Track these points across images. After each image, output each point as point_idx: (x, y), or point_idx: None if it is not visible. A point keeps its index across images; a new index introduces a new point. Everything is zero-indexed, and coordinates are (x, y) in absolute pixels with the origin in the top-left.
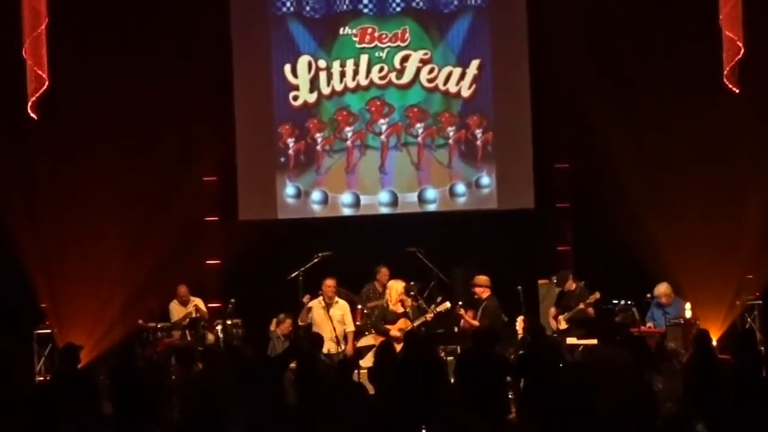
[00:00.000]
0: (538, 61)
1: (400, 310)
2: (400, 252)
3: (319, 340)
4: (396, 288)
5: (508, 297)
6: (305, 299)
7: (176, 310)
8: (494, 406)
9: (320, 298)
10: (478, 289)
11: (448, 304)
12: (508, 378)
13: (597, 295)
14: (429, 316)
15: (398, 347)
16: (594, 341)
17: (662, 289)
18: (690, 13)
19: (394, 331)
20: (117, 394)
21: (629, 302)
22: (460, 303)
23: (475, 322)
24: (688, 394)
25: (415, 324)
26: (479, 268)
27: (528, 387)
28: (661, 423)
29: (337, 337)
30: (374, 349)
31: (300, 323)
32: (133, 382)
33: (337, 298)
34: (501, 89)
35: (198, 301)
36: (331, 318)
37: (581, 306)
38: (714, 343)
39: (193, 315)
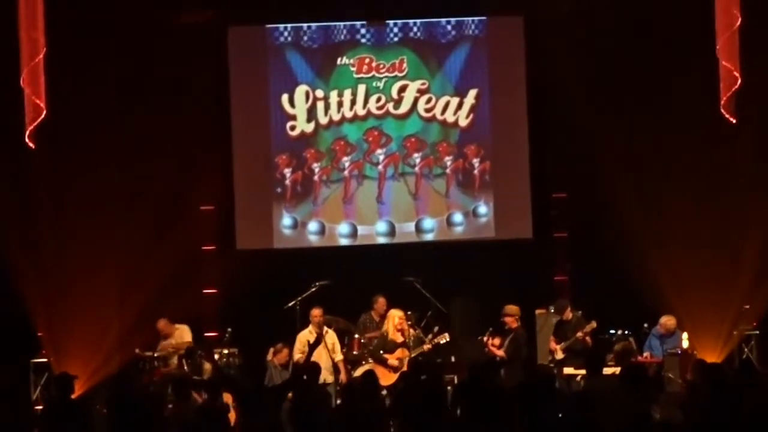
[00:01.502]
0: (536, 90)
1: (400, 339)
2: (398, 281)
3: (316, 370)
4: (395, 317)
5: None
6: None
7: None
8: None
9: (310, 328)
10: (508, 319)
11: (447, 336)
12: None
13: (593, 324)
14: (427, 347)
15: (394, 377)
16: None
17: (670, 322)
18: (687, 44)
19: (392, 360)
20: (114, 424)
21: (626, 332)
22: (491, 329)
23: (501, 353)
24: (688, 425)
25: (412, 354)
26: (477, 297)
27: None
28: None
29: (334, 365)
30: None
31: (299, 357)
32: (129, 412)
33: (326, 328)
34: (498, 119)
35: (181, 330)
36: (327, 347)
37: (578, 335)
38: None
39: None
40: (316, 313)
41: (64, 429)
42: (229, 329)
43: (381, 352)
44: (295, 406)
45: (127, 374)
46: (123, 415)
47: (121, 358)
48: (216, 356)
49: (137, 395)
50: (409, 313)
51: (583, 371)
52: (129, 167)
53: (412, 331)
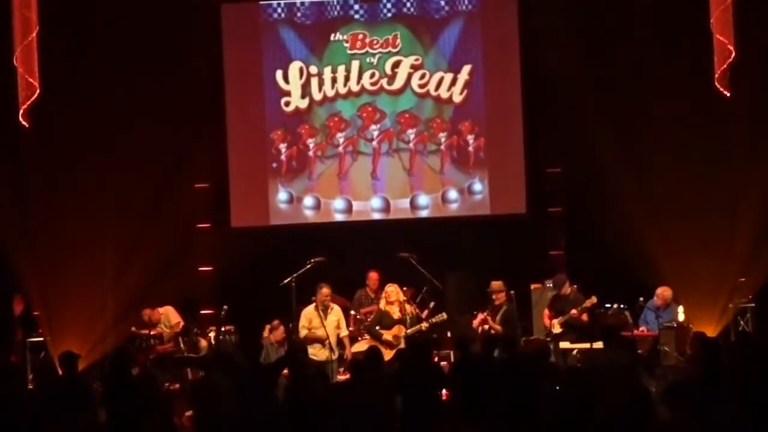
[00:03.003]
0: (530, 66)
1: (397, 315)
2: (393, 258)
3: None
4: (387, 290)
5: None
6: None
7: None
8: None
9: (314, 305)
10: (497, 295)
11: (444, 315)
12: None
13: (593, 299)
14: (424, 325)
15: (390, 353)
16: (587, 345)
17: (666, 293)
18: (681, 18)
19: (387, 336)
20: (110, 402)
21: (622, 306)
22: (488, 309)
23: (498, 326)
24: (685, 399)
25: (408, 332)
26: (472, 273)
27: (515, 394)
28: (654, 427)
29: (330, 344)
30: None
31: (305, 333)
32: (126, 390)
33: (331, 304)
34: (493, 95)
35: (166, 313)
36: (326, 325)
37: (574, 312)
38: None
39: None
40: (326, 291)
41: (70, 405)
42: (225, 307)
43: (378, 327)
44: (292, 383)
45: (124, 352)
46: (119, 392)
47: (117, 336)
48: (212, 334)
49: (133, 373)
50: (404, 289)
51: (579, 345)
52: (123, 146)
53: (408, 306)
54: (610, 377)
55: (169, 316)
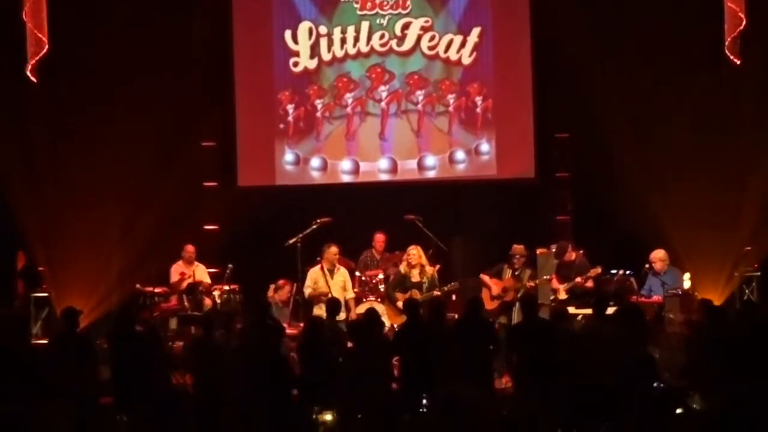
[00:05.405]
0: (540, 29)
1: (416, 279)
2: (400, 220)
3: (336, 305)
4: (410, 252)
5: None
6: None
7: (175, 273)
8: (484, 373)
9: (319, 266)
10: (521, 259)
11: (457, 285)
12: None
13: (598, 269)
14: (437, 293)
15: (401, 319)
16: (590, 311)
17: (659, 254)
18: None
19: (401, 301)
20: (115, 359)
21: (627, 272)
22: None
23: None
24: (691, 365)
25: (421, 297)
26: (478, 236)
27: (523, 357)
28: (658, 394)
29: (345, 303)
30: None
31: (309, 291)
32: (130, 347)
33: (338, 265)
34: (502, 57)
35: (199, 267)
36: (332, 285)
37: (578, 280)
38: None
39: (190, 279)
40: (334, 251)
41: (73, 362)
42: (230, 266)
43: (397, 290)
44: (305, 342)
45: (128, 309)
46: (124, 349)
47: (122, 293)
48: (216, 293)
49: (138, 330)
50: (431, 252)
51: (583, 311)
52: (130, 103)
53: (429, 269)
54: (608, 344)
55: (203, 273)
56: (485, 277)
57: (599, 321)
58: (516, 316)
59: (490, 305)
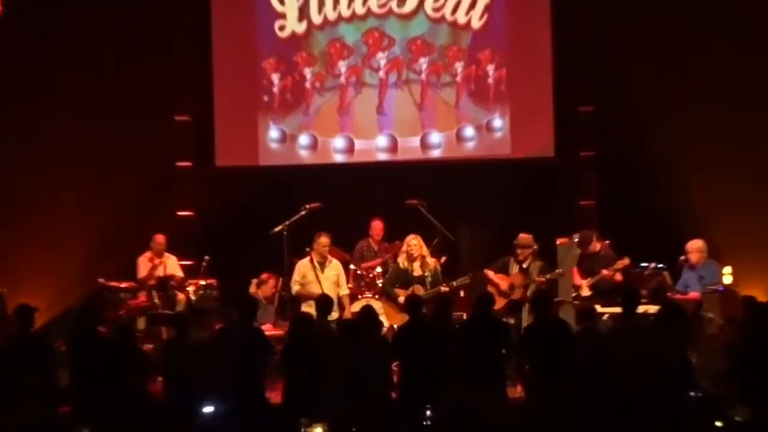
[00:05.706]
0: None
1: (418, 273)
2: (400, 205)
3: (328, 303)
4: (406, 242)
5: None
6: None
7: (143, 266)
8: (495, 381)
9: (309, 257)
10: (527, 251)
11: (468, 278)
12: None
13: (626, 260)
14: (444, 289)
15: (403, 318)
16: (619, 309)
17: (696, 244)
18: None
19: (402, 298)
20: (75, 363)
21: (660, 265)
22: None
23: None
24: (732, 371)
25: (425, 294)
26: (490, 224)
27: (537, 363)
28: (695, 403)
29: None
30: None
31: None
32: (93, 349)
33: (330, 257)
34: (517, 21)
35: (170, 259)
36: (322, 280)
37: (605, 273)
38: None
39: (159, 274)
40: (324, 241)
41: (24, 364)
42: (207, 257)
43: (396, 286)
44: (291, 342)
45: (91, 307)
46: (86, 352)
47: (83, 289)
48: (191, 288)
49: (101, 330)
50: (435, 241)
51: (610, 309)
52: (95, 71)
53: (431, 261)
54: (643, 349)
55: (174, 266)
56: (490, 273)
57: (629, 320)
58: (526, 316)
59: (496, 304)
